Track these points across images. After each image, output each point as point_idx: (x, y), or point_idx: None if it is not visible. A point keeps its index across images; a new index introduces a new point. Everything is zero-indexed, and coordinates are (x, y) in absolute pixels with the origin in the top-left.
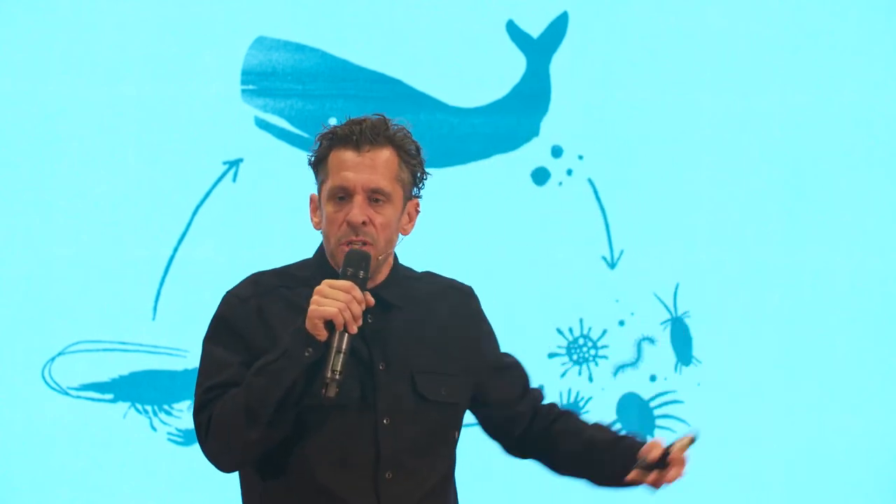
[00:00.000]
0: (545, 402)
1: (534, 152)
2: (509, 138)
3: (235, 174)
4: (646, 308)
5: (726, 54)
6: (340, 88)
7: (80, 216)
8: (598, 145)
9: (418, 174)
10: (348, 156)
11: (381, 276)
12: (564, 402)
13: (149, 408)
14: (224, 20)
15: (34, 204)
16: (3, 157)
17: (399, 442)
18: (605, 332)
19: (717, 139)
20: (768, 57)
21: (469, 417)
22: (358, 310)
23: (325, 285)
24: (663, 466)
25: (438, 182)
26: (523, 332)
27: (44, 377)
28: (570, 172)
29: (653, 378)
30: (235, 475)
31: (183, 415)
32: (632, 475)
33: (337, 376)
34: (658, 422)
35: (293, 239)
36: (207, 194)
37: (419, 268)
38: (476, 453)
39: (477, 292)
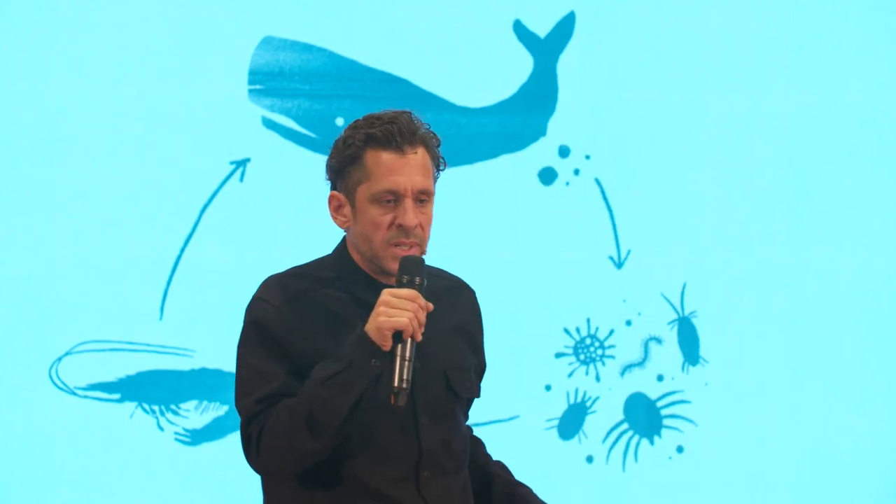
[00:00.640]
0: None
1: (541, 152)
2: (516, 138)
3: (243, 174)
4: (653, 308)
5: (732, 55)
6: (348, 88)
7: (88, 216)
8: (605, 145)
9: (441, 168)
10: (392, 158)
11: None
12: (572, 401)
13: (156, 408)
14: (231, 20)
15: (42, 204)
16: (10, 157)
17: (436, 439)
18: (612, 331)
19: (723, 139)
20: (774, 57)
21: (469, 418)
22: (423, 318)
23: (390, 295)
24: None
25: (446, 182)
26: (530, 332)
27: (51, 377)
28: (577, 172)
29: (660, 378)
30: (244, 476)
31: (190, 415)
32: None
33: (404, 385)
34: (665, 421)
35: (300, 239)
36: (214, 194)
37: None
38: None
39: (484, 292)
